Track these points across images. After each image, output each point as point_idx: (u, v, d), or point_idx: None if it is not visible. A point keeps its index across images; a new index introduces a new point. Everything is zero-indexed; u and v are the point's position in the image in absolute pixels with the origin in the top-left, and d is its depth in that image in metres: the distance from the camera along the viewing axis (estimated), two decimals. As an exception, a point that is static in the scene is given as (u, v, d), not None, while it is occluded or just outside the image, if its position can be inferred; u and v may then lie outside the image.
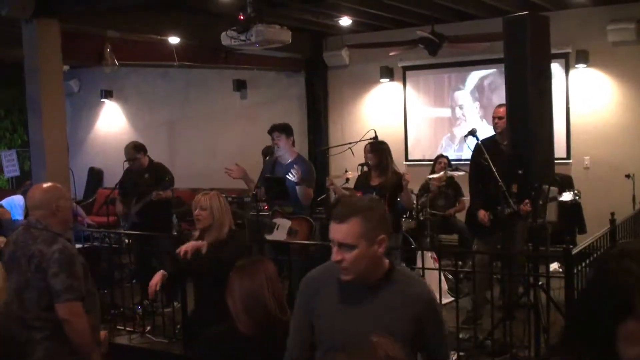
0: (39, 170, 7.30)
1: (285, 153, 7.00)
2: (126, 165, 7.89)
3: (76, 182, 8.07)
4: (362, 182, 7.01)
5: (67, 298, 3.75)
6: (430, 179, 8.76)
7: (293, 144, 7.08)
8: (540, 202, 5.81)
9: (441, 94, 10.92)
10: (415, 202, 8.30)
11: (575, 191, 6.37)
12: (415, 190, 8.63)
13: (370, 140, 7.49)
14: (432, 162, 9.47)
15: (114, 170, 8.89)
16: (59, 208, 3.93)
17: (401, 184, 6.77)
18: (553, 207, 7.47)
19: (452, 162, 9.44)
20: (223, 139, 12.64)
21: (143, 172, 7.85)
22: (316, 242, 6.88)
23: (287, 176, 6.70)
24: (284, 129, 7.04)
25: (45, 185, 4.10)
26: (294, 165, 6.79)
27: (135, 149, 7.85)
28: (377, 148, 6.97)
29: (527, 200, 6.22)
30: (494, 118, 6.70)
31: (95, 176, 13.43)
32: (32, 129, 7.47)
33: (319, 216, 8.49)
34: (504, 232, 6.53)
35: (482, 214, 6.56)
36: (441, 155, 9.42)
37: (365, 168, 7.27)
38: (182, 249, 4.73)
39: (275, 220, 6.96)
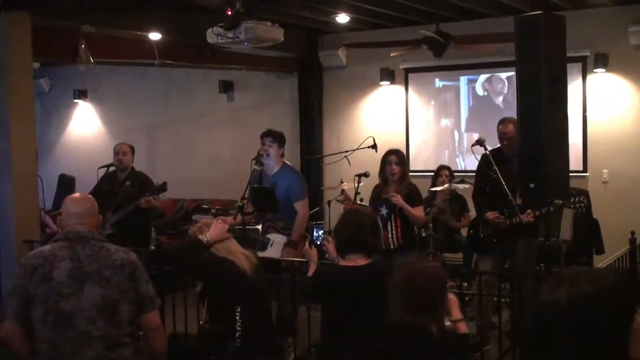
0: (5, 177, 7.29)
1: (273, 163, 7.02)
2: (101, 172, 7.89)
3: (45, 190, 8.04)
4: (376, 194, 6.99)
5: (158, 304, 3.97)
6: (432, 191, 8.79)
7: (282, 155, 7.10)
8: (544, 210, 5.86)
9: (446, 99, 10.95)
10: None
11: (580, 197, 6.34)
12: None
13: (373, 152, 7.45)
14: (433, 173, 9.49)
15: (87, 177, 8.85)
16: (99, 219, 4.17)
17: (414, 196, 6.78)
18: (567, 225, 7.51)
19: (458, 174, 9.47)
20: (208, 145, 12.64)
21: (124, 179, 7.88)
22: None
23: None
24: (278, 137, 7.06)
25: (83, 195, 4.34)
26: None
27: (130, 147, 8.06)
28: (403, 159, 6.94)
29: (529, 211, 6.28)
30: (501, 137, 6.74)
31: (66, 184, 13.35)
32: (-2, 131, 7.46)
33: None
34: (506, 247, 6.60)
35: (490, 213, 6.62)
36: (442, 167, 9.43)
37: (364, 177, 7.25)
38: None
39: (269, 236, 6.95)
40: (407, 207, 6.64)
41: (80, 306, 3.81)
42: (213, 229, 4.51)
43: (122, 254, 3.96)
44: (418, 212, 6.81)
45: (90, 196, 4.31)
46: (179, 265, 4.95)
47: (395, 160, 6.86)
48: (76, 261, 3.88)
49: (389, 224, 6.70)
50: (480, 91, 10.65)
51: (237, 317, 4.28)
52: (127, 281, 3.88)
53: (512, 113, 9.58)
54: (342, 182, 8.33)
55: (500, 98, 10.47)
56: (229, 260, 4.34)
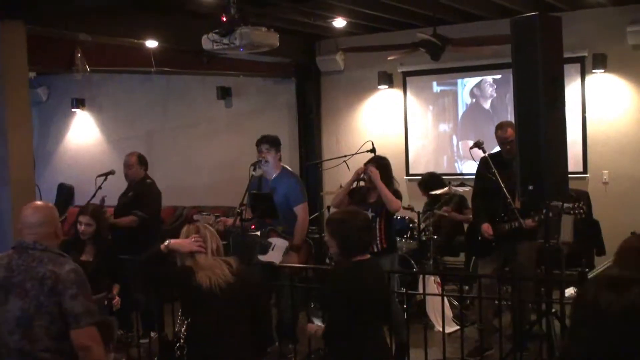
0: (2, 186, 7.29)
1: (271, 168, 7.05)
2: (99, 181, 7.91)
3: (43, 199, 8.06)
4: (358, 197, 7.00)
5: (87, 322, 3.77)
6: (432, 195, 8.77)
7: (280, 159, 7.13)
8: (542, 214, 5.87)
9: (444, 102, 10.95)
10: (417, 221, 8.34)
11: (579, 204, 6.33)
12: (417, 209, 8.64)
13: (370, 156, 7.48)
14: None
15: (86, 186, 8.87)
16: (57, 229, 4.01)
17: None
18: (568, 227, 7.50)
19: (457, 178, 9.47)
20: (206, 151, 12.64)
21: (128, 190, 7.95)
22: (314, 266, 6.91)
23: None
24: (274, 143, 7.09)
25: (39, 204, 4.22)
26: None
27: (138, 158, 8.06)
28: (380, 165, 6.93)
29: (529, 219, 6.32)
30: (503, 142, 6.75)
31: (65, 193, 13.38)
32: (-5, 141, 7.46)
33: (312, 236, 8.51)
34: (505, 249, 6.61)
35: (486, 227, 6.63)
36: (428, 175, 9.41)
37: (362, 183, 7.24)
38: None
39: (270, 239, 6.95)
40: (381, 184, 6.67)
41: (3, 317, 3.77)
42: (181, 240, 4.45)
43: (51, 267, 3.78)
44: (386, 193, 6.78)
45: (47, 205, 4.19)
46: (149, 279, 4.80)
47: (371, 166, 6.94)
48: (9, 271, 3.83)
49: (373, 227, 6.71)
50: (467, 99, 10.68)
51: (183, 329, 4.22)
52: (45, 295, 3.73)
53: (501, 116, 9.68)
54: (341, 186, 8.32)
55: (489, 102, 10.49)
56: (191, 270, 4.25)
